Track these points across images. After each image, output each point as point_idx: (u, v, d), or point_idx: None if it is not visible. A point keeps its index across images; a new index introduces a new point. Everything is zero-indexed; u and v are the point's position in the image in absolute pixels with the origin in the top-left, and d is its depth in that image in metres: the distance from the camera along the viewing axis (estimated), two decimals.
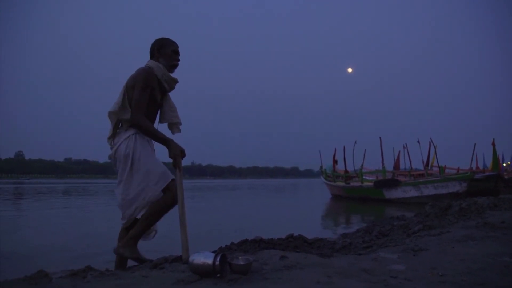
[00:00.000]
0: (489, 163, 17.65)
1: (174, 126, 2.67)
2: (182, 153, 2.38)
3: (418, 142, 15.72)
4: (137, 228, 2.38)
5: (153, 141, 2.56)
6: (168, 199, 2.38)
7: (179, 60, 2.61)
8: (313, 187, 31.56)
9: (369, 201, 13.83)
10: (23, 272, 1.99)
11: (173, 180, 2.40)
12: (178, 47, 2.62)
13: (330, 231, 5.73)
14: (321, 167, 19.60)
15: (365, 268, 1.94)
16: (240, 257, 1.92)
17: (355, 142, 17.05)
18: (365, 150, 16.73)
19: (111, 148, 2.47)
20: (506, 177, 16.53)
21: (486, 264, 2.00)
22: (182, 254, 2.21)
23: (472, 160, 16.02)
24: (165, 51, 2.55)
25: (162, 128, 2.57)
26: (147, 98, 2.42)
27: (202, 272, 1.75)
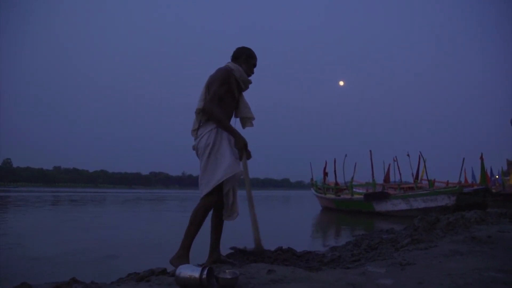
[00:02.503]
0: (478, 177, 17.88)
1: (247, 120, 3.01)
2: (245, 146, 2.73)
3: (408, 155, 15.86)
4: (186, 233, 2.64)
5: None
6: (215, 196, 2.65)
7: (253, 73, 3.00)
8: (304, 199, 31.53)
9: (359, 213, 13.85)
10: (9, 283, 1.95)
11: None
12: (256, 61, 3.02)
13: (320, 244, 5.72)
14: (312, 179, 19.63)
15: (353, 282, 1.94)
16: (227, 271, 1.91)
17: (346, 155, 17.17)
18: (356, 163, 16.84)
19: (195, 139, 2.78)
20: (494, 191, 16.73)
21: (472, 279, 2.01)
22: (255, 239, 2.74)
23: (460, 174, 16.21)
24: (249, 61, 2.94)
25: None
26: (223, 92, 2.74)
27: (189, 286, 1.74)
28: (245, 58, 2.91)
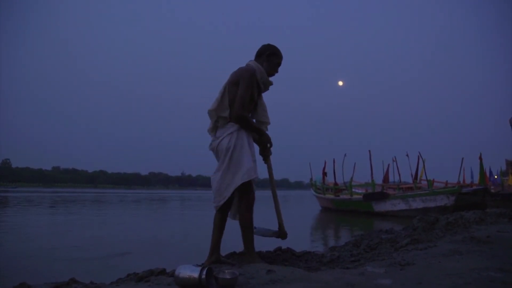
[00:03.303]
0: (477, 177, 17.88)
1: (262, 125, 2.92)
2: (270, 142, 2.81)
3: (407, 155, 15.87)
4: (245, 237, 2.66)
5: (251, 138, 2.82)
6: (251, 195, 2.66)
7: (277, 72, 2.87)
8: (303, 199, 31.52)
9: (358, 213, 13.86)
10: (8, 283, 1.95)
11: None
12: (282, 60, 2.88)
13: (319, 244, 5.72)
14: (311, 179, 19.63)
15: (352, 282, 1.94)
16: (226, 271, 1.91)
17: (345, 155, 17.16)
18: (355, 163, 16.83)
19: (213, 141, 2.72)
20: (493, 191, 16.73)
21: (472, 279, 2.01)
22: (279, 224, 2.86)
23: (460, 174, 16.20)
24: (272, 60, 2.81)
25: None
26: (250, 96, 2.67)
27: (188, 286, 1.74)
28: (267, 56, 2.79)
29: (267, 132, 2.89)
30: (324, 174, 18.39)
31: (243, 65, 2.83)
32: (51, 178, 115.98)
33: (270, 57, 2.80)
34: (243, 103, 2.60)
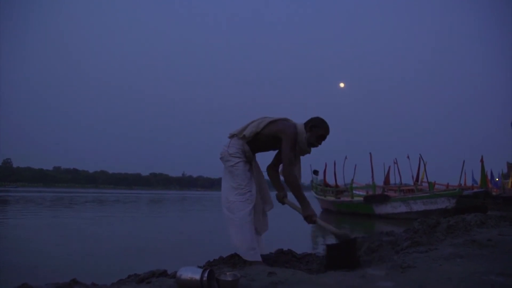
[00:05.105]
0: (478, 180, 17.85)
1: None
2: (312, 219, 2.84)
3: (408, 157, 15.87)
4: None
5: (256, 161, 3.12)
6: None
7: (320, 144, 2.95)
8: None
9: (359, 216, 13.84)
10: (10, 284, 1.95)
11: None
12: (328, 134, 2.94)
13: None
14: (312, 181, 19.64)
15: (353, 285, 1.95)
16: (228, 273, 1.92)
17: (346, 157, 17.17)
18: (356, 165, 16.83)
19: (226, 149, 2.93)
20: (494, 193, 16.71)
21: (473, 282, 2.01)
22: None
23: (461, 176, 16.20)
24: (315, 131, 2.87)
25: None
26: (293, 155, 2.80)
27: None
28: (310, 127, 2.89)
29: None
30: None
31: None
32: (52, 178, 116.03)
33: (313, 129, 2.88)
34: (290, 162, 2.75)
